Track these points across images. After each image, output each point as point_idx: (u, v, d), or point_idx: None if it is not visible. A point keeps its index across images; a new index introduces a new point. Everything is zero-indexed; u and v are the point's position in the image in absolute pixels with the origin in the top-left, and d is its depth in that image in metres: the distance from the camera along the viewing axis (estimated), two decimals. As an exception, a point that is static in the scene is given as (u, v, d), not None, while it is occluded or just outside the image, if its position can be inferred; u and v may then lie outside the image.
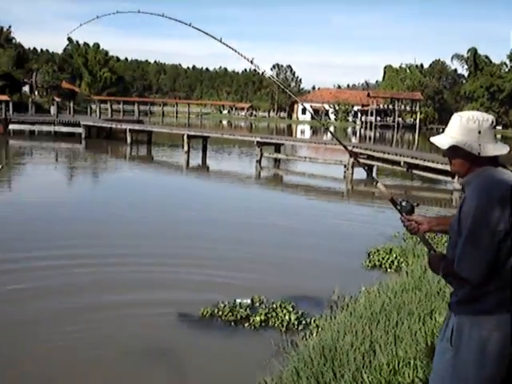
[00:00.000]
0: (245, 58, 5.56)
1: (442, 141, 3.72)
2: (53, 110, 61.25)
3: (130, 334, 9.17)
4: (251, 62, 5.56)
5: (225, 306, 9.93)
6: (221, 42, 5.84)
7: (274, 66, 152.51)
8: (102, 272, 12.18)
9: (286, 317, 9.55)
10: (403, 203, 4.17)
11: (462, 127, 3.62)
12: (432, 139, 3.81)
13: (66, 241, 14.65)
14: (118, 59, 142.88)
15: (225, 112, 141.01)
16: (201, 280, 11.78)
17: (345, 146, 5.37)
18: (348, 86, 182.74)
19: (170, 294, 11.02)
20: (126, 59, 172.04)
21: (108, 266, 12.58)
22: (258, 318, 9.54)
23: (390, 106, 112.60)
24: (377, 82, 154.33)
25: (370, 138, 79.31)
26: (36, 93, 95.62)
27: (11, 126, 52.07)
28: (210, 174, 35.44)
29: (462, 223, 3.51)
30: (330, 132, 5.88)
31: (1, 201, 21.71)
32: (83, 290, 11.14)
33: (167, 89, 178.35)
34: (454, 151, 3.68)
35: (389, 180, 30.65)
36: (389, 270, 12.69)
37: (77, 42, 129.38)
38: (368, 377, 6.06)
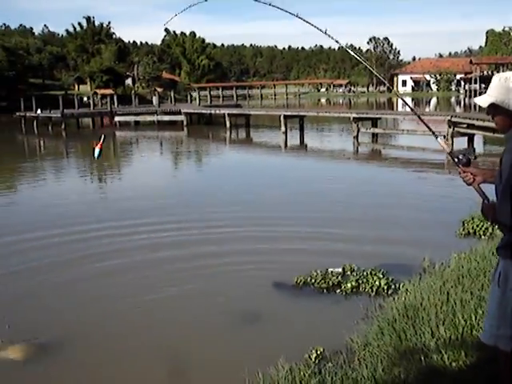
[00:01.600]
0: (318, 28, 5.78)
1: (483, 100, 4.03)
2: (155, 100, 63.62)
3: (225, 295, 10.06)
4: (325, 33, 5.74)
5: (317, 274, 10.42)
6: (295, 15, 6.09)
7: (370, 40, 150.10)
8: (215, 233, 14.07)
9: (376, 282, 9.91)
10: (460, 156, 4.48)
11: (500, 86, 3.91)
12: (475, 99, 4.12)
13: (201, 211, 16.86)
14: (214, 46, 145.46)
15: (323, 90, 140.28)
16: (297, 249, 12.46)
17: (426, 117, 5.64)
18: (450, 54, 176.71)
19: (267, 260, 11.85)
20: (223, 45, 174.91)
21: (220, 228, 14.50)
22: (348, 285, 9.97)
23: (495, 72, 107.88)
24: (480, 47, 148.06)
25: (474, 107, 76.58)
26: (138, 85, 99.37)
27: (117, 118, 54.70)
28: (309, 153, 35.88)
29: (502, 174, 3.82)
30: (409, 107, 6.16)
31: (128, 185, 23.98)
32: (197, 244, 13.09)
33: (264, 71, 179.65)
34: (494, 109, 3.98)
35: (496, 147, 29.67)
36: (482, 236, 12.68)
37: (174, 32, 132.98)
38: (446, 332, 6.38)
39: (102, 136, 8.81)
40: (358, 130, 36.11)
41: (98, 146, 8.72)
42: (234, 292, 10.28)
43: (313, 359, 7.10)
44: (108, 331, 8.91)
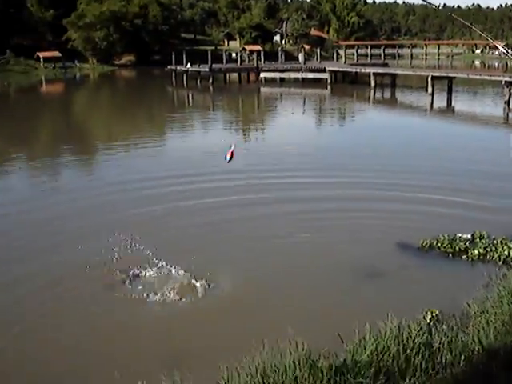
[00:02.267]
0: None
1: None
2: (300, 57, 63.60)
3: (350, 248, 10.46)
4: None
5: (444, 238, 10.29)
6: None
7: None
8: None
9: (505, 252, 9.63)
10: None
11: None
12: None
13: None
14: (365, 3, 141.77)
15: (477, 52, 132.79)
16: (427, 212, 12.37)
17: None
18: None
19: (397, 219, 11.99)
20: (374, 2, 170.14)
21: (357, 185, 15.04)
22: (476, 252, 9.78)
23: None
24: None
25: None
26: (286, 41, 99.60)
27: (262, 74, 55.45)
28: (456, 116, 34.49)
29: None
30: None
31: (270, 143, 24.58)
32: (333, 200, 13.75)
33: (416, 30, 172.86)
34: None
35: None
36: None
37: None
38: None
39: (233, 145, 9.25)
40: (510, 95, 34.08)
41: (229, 153, 9.18)
42: (360, 246, 10.54)
43: (427, 320, 7.15)
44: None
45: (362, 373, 4.97)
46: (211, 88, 51.09)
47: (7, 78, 62.02)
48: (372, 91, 46.12)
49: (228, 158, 9.24)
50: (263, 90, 51.19)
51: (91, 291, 8.91)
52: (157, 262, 9.42)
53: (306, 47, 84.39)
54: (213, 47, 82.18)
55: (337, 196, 14.20)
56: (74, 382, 6.80)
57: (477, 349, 5.58)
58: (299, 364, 4.92)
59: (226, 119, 34.33)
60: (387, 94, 46.55)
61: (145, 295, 8.69)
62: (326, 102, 43.14)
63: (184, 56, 55.95)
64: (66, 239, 11.31)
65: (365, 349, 5.29)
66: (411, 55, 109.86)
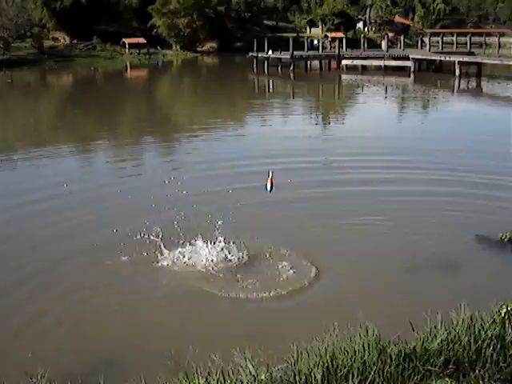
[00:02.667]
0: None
1: None
2: (383, 44, 62.54)
3: (426, 236, 10.46)
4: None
5: (525, 232, 10.07)
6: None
7: None
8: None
9: None
10: None
11: None
12: None
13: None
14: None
15: None
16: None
17: None
18: None
19: (477, 211, 11.95)
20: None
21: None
22: (559, 247, 9.51)
23: None
24: None
25: None
26: (369, 28, 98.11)
27: (344, 62, 54.95)
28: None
29: None
30: None
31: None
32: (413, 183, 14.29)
33: (505, 18, 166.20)
34: None
35: None
36: None
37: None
38: None
39: (271, 172, 9.45)
40: None
41: (269, 181, 9.38)
42: (439, 236, 10.49)
43: (502, 314, 7.04)
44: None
45: (432, 361, 5.01)
46: (292, 75, 51.09)
47: (94, 63, 64.16)
48: (456, 80, 44.88)
49: (269, 186, 9.37)
50: (344, 77, 50.78)
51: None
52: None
53: (390, 35, 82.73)
54: (294, 34, 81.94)
55: (416, 187, 14.24)
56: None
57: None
58: (368, 348, 5.00)
59: (305, 106, 34.48)
60: (472, 84, 45.20)
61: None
62: (409, 91, 42.34)
63: (266, 43, 56.11)
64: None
65: (435, 337, 5.31)
66: (499, 44, 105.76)
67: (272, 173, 9.53)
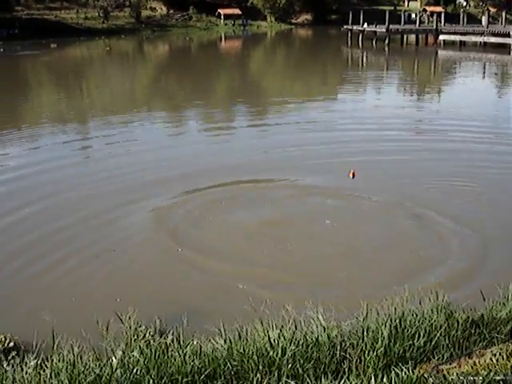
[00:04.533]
0: None
1: None
2: (484, 20, 60.21)
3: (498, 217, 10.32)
4: None
5: None
6: None
7: None
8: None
9: None
10: None
11: None
12: None
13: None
14: None
15: None
16: None
17: None
18: None
19: None
20: None
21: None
22: None
23: None
24: None
25: None
26: (470, 3, 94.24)
27: (441, 37, 53.40)
28: None
29: None
30: None
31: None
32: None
33: None
34: None
35: None
36: None
37: None
38: None
39: (352, 170, 10.58)
40: None
41: (351, 175, 10.88)
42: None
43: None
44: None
45: (499, 329, 5.14)
46: (386, 49, 50.28)
47: (190, 33, 65.36)
48: None
49: (351, 176, 10.66)
50: (441, 53, 49.42)
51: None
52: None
53: (492, 10, 79.30)
54: (392, 7, 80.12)
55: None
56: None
57: None
58: (437, 312, 5.20)
59: (399, 81, 33.98)
60: None
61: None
62: (509, 69, 40.71)
63: (361, 16, 55.31)
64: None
65: (504, 307, 5.42)
66: None
67: (353, 170, 10.78)
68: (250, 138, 18.26)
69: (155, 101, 26.64)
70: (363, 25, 54.97)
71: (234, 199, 11.53)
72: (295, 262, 8.80)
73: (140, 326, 5.93)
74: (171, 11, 73.19)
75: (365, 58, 47.80)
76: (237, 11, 73.75)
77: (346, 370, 4.51)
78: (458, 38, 53.81)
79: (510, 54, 46.95)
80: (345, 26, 58.28)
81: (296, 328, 4.93)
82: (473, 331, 5.11)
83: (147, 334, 5.86)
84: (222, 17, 73.31)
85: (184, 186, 12.31)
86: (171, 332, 5.39)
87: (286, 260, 8.85)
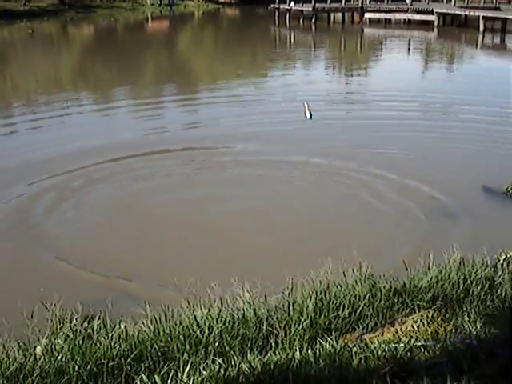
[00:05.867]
0: None
1: None
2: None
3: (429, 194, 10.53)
4: None
5: (531, 184, 10.26)
6: None
7: None
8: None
9: None
10: None
11: None
12: None
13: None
14: None
15: None
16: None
17: None
18: None
19: (481, 166, 12.07)
20: None
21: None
22: (561, 199, 9.69)
23: None
24: None
25: None
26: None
27: (367, 15, 54.08)
28: None
29: None
30: None
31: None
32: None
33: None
34: None
35: None
36: None
37: None
38: None
39: (306, 103, 10.29)
40: None
41: (307, 111, 10.24)
42: (442, 184, 10.72)
43: (501, 260, 7.29)
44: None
45: (420, 297, 5.29)
46: (313, 28, 50.57)
47: (115, 14, 63.92)
48: (480, 36, 44.08)
49: (308, 115, 9.99)
50: (367, 31, 50.15)
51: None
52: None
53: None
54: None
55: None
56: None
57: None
58: (361, 283, 5.32)
59: (327, 58, 34.50)
60: (497, 40, 44.45)
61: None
62: (431, 46, 41.76)
63: (288, -6, 55.40)
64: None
65: (426, 275, 5.59)
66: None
67: (307, 104, 10.15)
68: (178, 113, 18.52)
69: (80, 83, 26.01)
70: (290, 3, 55.05)
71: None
72: (218, 239, 8.84)
73: (65, 313, 5.81)
74: (95, -9, 71.28)
75: (292, 36, 47.96)
76: (163, -9, 72.62)
77: (273, 344, 4.56)
78: (383, 15, 54.70)
79: (433, 30, 48.14)
80: (272, 5, 58.22)
81: (222, 305, 4.95)
82: (395, 300, 5.25)
83: (73, 321, 5.74)
84: (148, -4, 72.03)
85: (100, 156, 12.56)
86: (97, 317, 5.31)
87: (206, 238, 8.89)
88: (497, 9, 57.29)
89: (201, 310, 4.98)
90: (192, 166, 12.41)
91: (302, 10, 53.46)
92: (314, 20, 51.53)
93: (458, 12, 51.52)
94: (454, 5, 57.40)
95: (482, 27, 44.80)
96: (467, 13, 49.82)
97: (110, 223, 9.61)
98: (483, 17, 45.33)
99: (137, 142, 14.31)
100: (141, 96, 21.68)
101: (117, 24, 59.19)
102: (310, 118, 10.31)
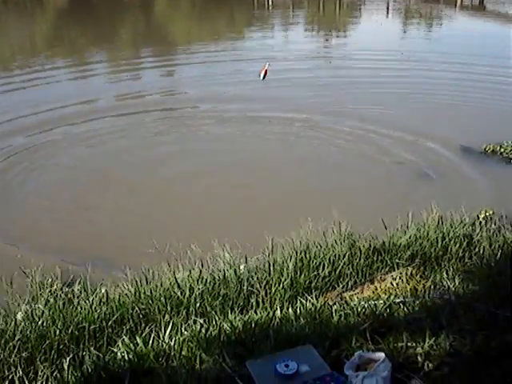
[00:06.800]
0: None
1: None
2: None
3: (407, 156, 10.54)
4: None
5: (508, 144, 10.31)
6: None
7: None
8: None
9: None
10: None
11: None
12: None
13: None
14: None
15: None
16: (492, 117, 12.33)
17: None
18: None
19: (458, 127, 12.00)
20: None
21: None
22: (539, 156, 9.80)
23: None
24: None
25: None
26: None
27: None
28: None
29: None
30: None
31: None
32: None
33: None
34: None
35: None
36: None
37: None
38: None
39: (267, 63, 9.79)
40: None
41: (263, 71, 9.71)
42: (420, 146, 10.72)
43: (480, 219, 7.39)
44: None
45: (399, 255, 5.34)
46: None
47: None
48: (459, -3, 43.83)
49: (262, 75, 9.73)
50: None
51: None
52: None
53: None
54: None
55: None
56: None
57: (515, 243, 5.81)
58: (340, 243, 5.35)
59: (306, 20, 34.57)
60: (476, 1, 44.24)
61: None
62: (410, 7, 41.49)
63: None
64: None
65: (405, 234, 5.64)
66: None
67: (268, 64, 9.90)
68: (154, 76, 18.27)
69: (55, 48, 25.50)
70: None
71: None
72: (195, 199, 8.84)
73: (46, 279, 5.79)
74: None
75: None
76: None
77: (254, 303, 4.58)
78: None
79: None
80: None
81: (203, 267, 4.95)
82: (375, 258, 5.29)
83: (53, 286, 5.73)
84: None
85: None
86: (78, 282, 5.30)
87: (182, 198, 8.88)
88: (476, -31, 56.75)
89: (182, 272, 4.99)
90: (167, 124, 12.51)
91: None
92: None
93: (437, -28, 51.08)
94: (433, -35, 56.83)
95: (461, -12, 44.44)
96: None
97: (78, 185, 9.56)
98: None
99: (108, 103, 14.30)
100: (116, 59, 21.48)
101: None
102: (263, 78, 9.94)
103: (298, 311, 4.27)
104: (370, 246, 5.35)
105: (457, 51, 20.92)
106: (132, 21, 35.19)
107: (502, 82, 15.89)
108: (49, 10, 45.26)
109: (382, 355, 3.31)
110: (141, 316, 4.45)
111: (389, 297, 4.47)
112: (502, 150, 10.23)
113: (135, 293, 4.72)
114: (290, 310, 4.31)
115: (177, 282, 4.68)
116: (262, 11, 39.54)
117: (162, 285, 4.76)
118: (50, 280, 5.85)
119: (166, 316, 4.38)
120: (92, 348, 3.99)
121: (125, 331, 4.24)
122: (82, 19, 35.36)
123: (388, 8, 40.87)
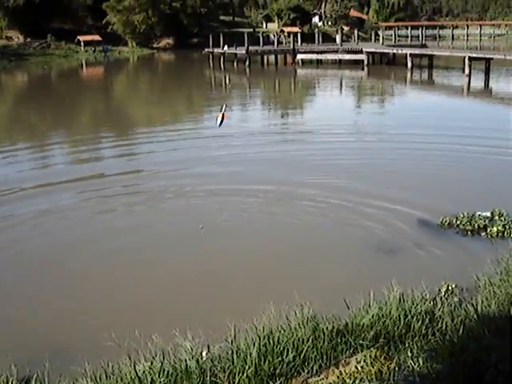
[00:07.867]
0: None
1: None
2: (338, 38, 63.12)
3: (365, 227, 10.70)
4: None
5: (463, 216, 10.51)
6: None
7: None
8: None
9: (524, 230, 9.81)
10: None
11: None
12: None
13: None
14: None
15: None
16: (448, 192, 12.59)
17: None
18: None
19: (416, 198, 12.21)
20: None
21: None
22: (494, 229, 9.98)
23: None
24: None
25: None
26: (325, 23, 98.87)
27: (299, 56, 55.28)
28: (493, 98, 34.11)
29: None
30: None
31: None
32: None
33: (458, 10, 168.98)
34: None
35: None
36: None
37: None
38: None
39: (224, 106, 9.81)
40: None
41: (220, 116, 9.65)
42: (379, 222, 10.84)
43: (442, 292, 7.46)
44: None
45: (363, 335, 5.30)
46: (247, 70, 51.33)
47: (49, 62, 63.35)
48: (409, 72, 45.67)
49: (219, 121, 9.62)
50: (300, 72, 51.24)
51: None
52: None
53: (345, 28, 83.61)
54: (251, 29, 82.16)
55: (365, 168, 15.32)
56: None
57: (475, 317, 5.85)
58: (303, 325, 5.29)
59: (263, 100, 35.20)
60: (425, 76, 46.16)
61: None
62: (362, 84, 43.03)
63: (221, 38, 56.20)
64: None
65: (367, 313, 5.62)
66: (452, 36, 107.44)
67: (225, 107, 9.77)
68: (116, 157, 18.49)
69: (13, 132, 25.46)
70: (224, 47, 55.84)
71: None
72: (155, 286, 8.72)
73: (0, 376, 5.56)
74: (28, 39, 70.47)
75: (227, 79, 48.51)
76: (97, 38, 72.51)
77: (217, 395, 4.47)
78: (314, 56, 56.07)
79: (363, 69, 49.61)
80: (206, 49, 58.93)
81: (164, 358, 4.83)
82: (339, 340, 5.25)
83: None
84: (82, 44, 71.67)
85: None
86: (34, 378, 5.10)
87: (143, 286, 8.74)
88: (423, 46, 59.69)
89: (143, 363, 4.85)
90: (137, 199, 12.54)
91: (235, 54, 54.26)
92: (247, 63, 52.33)
93: (386, 50, 53.38)
94: (382, 44, 59.50)
95: (409, 64, 46.42)
96: (395, 51, 51.68)
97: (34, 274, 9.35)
98: (410, 54, 47.07)
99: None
100: (74, 140, 21.67)
101: (51, 71, 58.64)
102: (220, 124, 9.79)
103: (263, 401, 4.17)
104: (334, 327, 5.31)
105: (409, 123, 21.82)
106: (91, 103, 35.58)
107: (457, 150, 16.56)
108: (8, 91, 45.55)
109: None
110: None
111: (354, 382, 4.41)
112: (458, 222, 10.43)
113: (94, 389, 4.56)
114: (254, 400, 4.20)
115: (137, 375, 4.54)
116: (220, 92, 40.40)
117: (122, 379, 4.61)
118: (4, 378, 5.62)
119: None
120: None
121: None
122: (41, 101, 35.60)
123: (341, 85, 42.27)
